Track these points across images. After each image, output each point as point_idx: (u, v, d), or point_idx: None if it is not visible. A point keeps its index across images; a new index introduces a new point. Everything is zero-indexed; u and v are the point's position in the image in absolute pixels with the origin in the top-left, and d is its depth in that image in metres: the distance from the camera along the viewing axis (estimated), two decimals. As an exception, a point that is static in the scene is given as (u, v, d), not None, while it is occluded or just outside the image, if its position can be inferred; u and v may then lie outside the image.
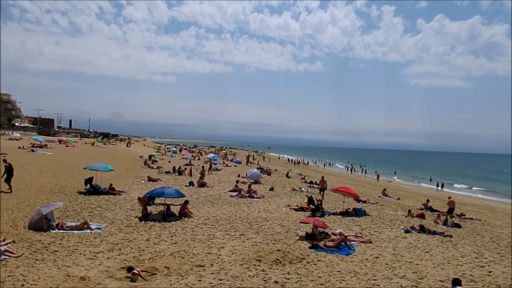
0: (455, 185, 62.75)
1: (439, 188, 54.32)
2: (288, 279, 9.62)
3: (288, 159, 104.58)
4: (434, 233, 16.81)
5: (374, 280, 9.94)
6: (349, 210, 20.29)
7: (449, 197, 25.61)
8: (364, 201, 25.98)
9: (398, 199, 32.47)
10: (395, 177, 72.97)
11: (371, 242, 14.11)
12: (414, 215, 22.03)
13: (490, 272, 11.47)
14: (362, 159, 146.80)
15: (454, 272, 10.99)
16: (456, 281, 8.66)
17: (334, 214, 19.93)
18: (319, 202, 21.41)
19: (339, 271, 10.50)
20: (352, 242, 13.66)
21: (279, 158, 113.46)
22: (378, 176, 64.30)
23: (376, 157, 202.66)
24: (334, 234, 14.20)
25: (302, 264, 11.02)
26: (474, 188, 60.57)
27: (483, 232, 19.44)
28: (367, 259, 11.94)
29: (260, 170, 40.03)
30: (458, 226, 20.06)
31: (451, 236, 16.63)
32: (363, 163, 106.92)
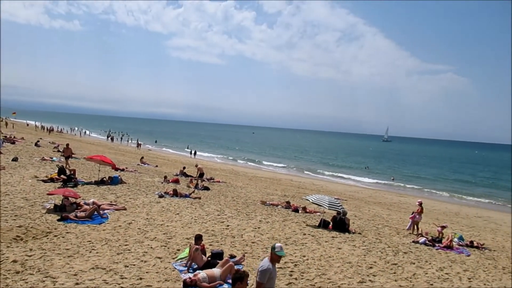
0: (206, 154, 69.24)
1: (192, 155, 59.12)
2: (29, 256, 8.76)
3: (38, 126, 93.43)
4: (186, 196, 18.26)
5: (126, 245, 10.11)
6: (104, 178, 19.81)
7: (196, 165, 27.69)
8: (122, 169, 25.84)
9: (156, 166, 33.61)
10: (154, 146, 75.18)
11: (125, 209, 14.22)
12: (170, 180, 23.32)
13: (228, 226, 13.31)
14: (124, 128, 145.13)
15: (199, 229, 12.25)
16: (198, 237, 9.70)
17: (89, 183, 19.10)
18: (72, 172, 20.10)
19: (89, 241, 10.20)
20: (106, 211, 13.44)
21: (27, 125, 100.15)
22: (139, 145, 64.84)
23: (139, 126, 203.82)
24: (87, 204, 13.66)
25: (48, 238, 10.19)
26: (220, 155, 68.50)
27: (227, 192, 22.28)
28: (120, 225, 12.00)
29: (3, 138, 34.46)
30: (207, 188, 22.34)
31: (199, 198, 18.39)
32: (124, 132, 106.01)
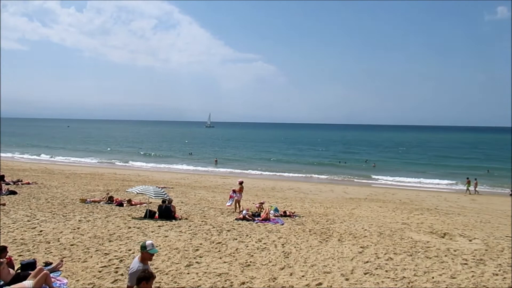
0: (7, 154, 60.41)
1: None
2: None
3: None
4: (-16, 204, 15.58)
5: None
6: None
7: None
8: None
9: None
10: None
11: None
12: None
13: (41, 231, 11.91)
14: None
15: (4, 240, 10.63)
16: (1, 249, 8.41)
17: None
18: None
19: None
20: None
21: None
22: None
23: None
24: None
25: None
26: (28, 154, 60.74)
27: (40, 194, 19.89)
28: None
29: None
30: (13, 193, 19.52)
31: (3, 205, 15.95)
32: None
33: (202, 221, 14.87)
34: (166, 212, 15.13)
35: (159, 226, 13.61)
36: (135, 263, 5.81)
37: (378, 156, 68.39)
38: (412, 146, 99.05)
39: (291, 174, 44.14)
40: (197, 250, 10.71)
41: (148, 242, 5.92)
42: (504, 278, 9.23)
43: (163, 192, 16.13)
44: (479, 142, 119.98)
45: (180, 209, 17.15)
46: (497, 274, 9.49)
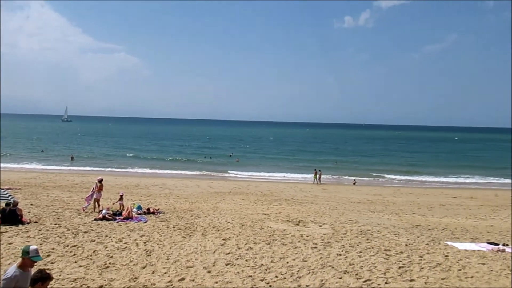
0: None
1: None
2: None
3: None
4: None
5: None
6: None
7: None
8: None
9: None
10: None
11: None
12: None
13: None
14: None
15: None
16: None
17: None
18: None
19: None
20: None
21: None
22: None
23: None
24: None
25: None
26: None
27: None
28: None
29: None
30: None
31: None
32: None
33: (56, 224, 13.59)
34: (10, 217, 13.42)
35: (1, 232, 12.01)
36: (11, 269, 5.07)
37: (241, 150, 71.28)
38: (272, 141, 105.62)
39: (156, 171, 43.20)
40: (48, 255, 9.75)
41: (32, 247, 5.17)
42: (346, 257, 10.49)
43: (6, 194, 14.31)
44: (327, 137, 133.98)
45: (28, 212, 15.38)
46: (340, 254, 10.74)
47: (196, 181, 33.91)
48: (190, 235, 12.60)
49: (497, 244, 12.68)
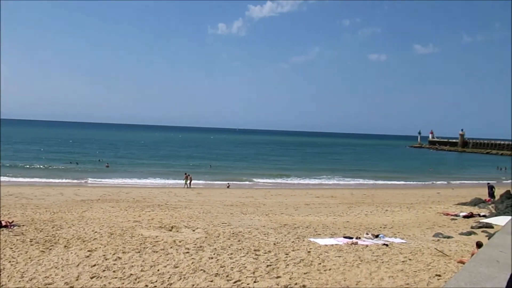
0: None
1: None
2: None
3: None
4: None
5: None
6: None
7: None
8: None
9: None
10: None
11: None
12: None
13: None
14: None
15: None
16: None
17: None
18: None
19: None
20: None
21: None
22: None
23: None
24: None
25: None
26: None
27: None
28: None
29: None
30: None
31: None
32: None
33: None
34: None
35: None
36: None
37: (110, 155, 67.44)
38: (144, 145, 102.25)
39: (10, 179, 38.29)
40: None
41: None
42: (217, 260, 10.67)
43: None
44: (201, 141, 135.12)
45: None
46: (212, 258, 10.88)
47: (60, 189, 31.05)
48: (50, 249, 11.49)
49: (352, 238, 14.21)
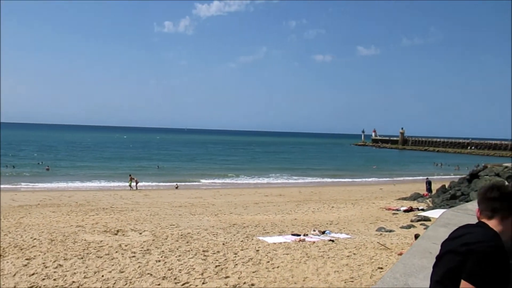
0: None
1: None
2: None
3: None
4: None
5: None
6: None
7: None
8: None
9: None
10: None
11: None
12: None
13: None
14: None
15: None
16: None
17: None
18: None
19: None
20: None
21: None
22: None
23: None
24: None
25: None
26: None
27: None
28: None
29: None
30: None
31: None
32: None
33: None
34: None
35: None
36: None
37: (50, 158, 64.10)
38: (88, 146, 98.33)
39: None
40: None
41: None
42: (165, 263, 10.48)
43: None
44: (148, 142, 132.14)
45: None
46: (159, 260, 10.67)
47: (-6, 195, 29.10)
48: (-17, 259, 10.73)
49: (299, 235, 14.49)
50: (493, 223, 2.24)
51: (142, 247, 12.24)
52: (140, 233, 14.67)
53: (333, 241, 13.45)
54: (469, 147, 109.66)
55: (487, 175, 24.12)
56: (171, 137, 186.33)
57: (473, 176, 25.59)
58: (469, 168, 41.98)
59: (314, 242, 13.20)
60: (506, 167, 26.86)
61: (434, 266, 2.31)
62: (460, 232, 2.28)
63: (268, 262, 10.52)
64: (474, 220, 2.35)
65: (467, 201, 19.02)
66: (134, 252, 11.55)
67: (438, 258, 2.29)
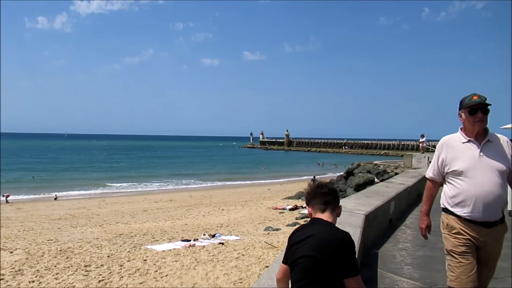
0: None
1: None
2: None
3: None
4: None
5: None
6: None
7: None
8: None
9: None
10: None
11: None
12: None
13: None
14: None
15: None
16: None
17: None
18: None
19: None
20: None
21: None
22: None
23: None
24: None
25: None
26: None
27: None
28: None
29: None
30: None
31: None
32: None
33: None
34: None
35: None
36: None
37: None
38: None
39: None
40: None
41: None
42: (40, 283, 9.53)
43: None
44: (24, 149, 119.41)
45: None
46: (33, 281, 9.66)
47: None
48: None
49: (189, 240, 14.35)
50: (326, 216, 2.53)
51: (13, 268, 10.95)
52: (11, 252, 13.13)
53: (223, 243, 13.58)
54: (343, 147, 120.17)
55: (360, 172, 26.72)
56: (49, 144, 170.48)
57: (349, 173, 28.13)
58: (346, 166, 45.80)
59: (204, 247, 13.19)
60: (376, 164, 30.05)
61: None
62: (306, 233, 2.46)
63: (156, 271, 10.21)
64: (350, 214, 2.56)
65: (344, 197, 20.83)
66: (3, 274, 10.29)
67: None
